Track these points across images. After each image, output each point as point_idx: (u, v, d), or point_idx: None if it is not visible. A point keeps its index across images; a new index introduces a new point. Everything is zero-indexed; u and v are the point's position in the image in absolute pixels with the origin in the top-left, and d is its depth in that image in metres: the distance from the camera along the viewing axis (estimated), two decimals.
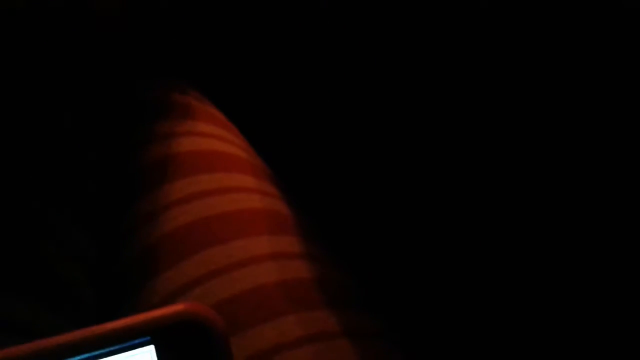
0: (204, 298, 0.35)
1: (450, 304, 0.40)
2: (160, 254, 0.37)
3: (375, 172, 0.43)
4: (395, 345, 0.36)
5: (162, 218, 0.38)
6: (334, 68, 0.45)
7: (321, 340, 0.34)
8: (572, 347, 0.36)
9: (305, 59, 0.46)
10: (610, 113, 0.34)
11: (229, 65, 0.48)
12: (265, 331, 0.33)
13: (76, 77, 0.42)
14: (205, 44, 0.48)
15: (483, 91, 0.38)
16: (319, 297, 0.35)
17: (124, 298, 0.37)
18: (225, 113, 0.45)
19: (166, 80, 0.45)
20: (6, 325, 0.33)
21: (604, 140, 0.35)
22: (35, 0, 0.38)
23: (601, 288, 0.35)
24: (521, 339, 0.37)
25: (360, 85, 0.44)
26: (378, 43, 0.42)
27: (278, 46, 0.47)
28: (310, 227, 0.40)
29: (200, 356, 0.26)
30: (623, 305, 0.35)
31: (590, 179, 0.36)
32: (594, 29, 0.34)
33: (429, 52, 0.40)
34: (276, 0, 0.45)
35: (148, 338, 0.26)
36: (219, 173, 0.40)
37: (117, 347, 0.25)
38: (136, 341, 0.26)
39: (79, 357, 0.25)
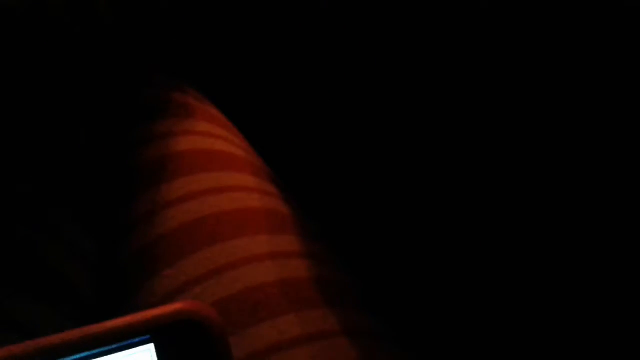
0: (203, 297, 0.35)
1: (449, 302, 0.40)
2: (159, 253, 0.37)
3: (375, 171, 0.43)
4: (394, 345, 0.36)
5: (161, 217, 0.38)
6: (334, 67, 0.45)
7: (320, 339, 0.34)
8: (572, 347, 0.36)
9: (305, 59, 0.46)
10: (610, 113, 0.34)
11: (229, 64, 0.48)
12: (264, 330, 0.33)
13: (75, 76, 0.42)
14: (205, 43, 0.48)
15: (483, 91, 0.38)
16: (318, 296, 0.35)
17: (123, 297, 0.37)
18: (225, 112, 0.45)
19: (165, 80, 0.45)
20: (6, 323, 0.33)
21: (604, 140, 0.35)
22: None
23: (601, 288, 0.35)
24: (521, 339, 0.37)
25: (360, 84, 0.44)
26: (378, 43, 0.42)
27: (278, 46, 0.47)
28: (310, 227, 0.40)
29: (199, 355, 0.26)
30: (623, 305, 0.35)
31: (591, 179, 0.36)
32: (594, 29, 0.34)
33: (429, 52, 0.39)
34: (276, 0, 0.45)
35: (148, 337, 0.26)
36: (217, 172, 0.40)
37: (116, 345, 0.25)
38: (136, 340, 0.26)
39: (78, 356, 0.25)
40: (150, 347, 0.26)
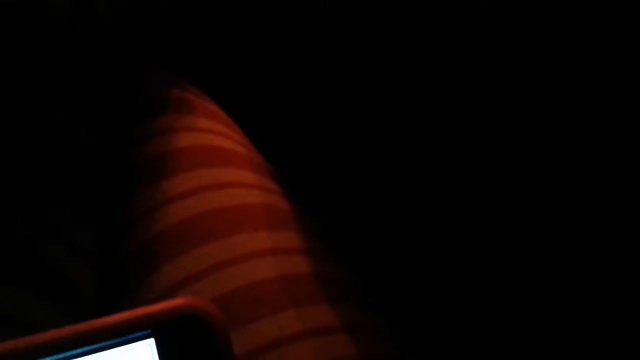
0: (202, 293, 0.34)
1: (450, 300, 0.40)
2: (159, 249, 0.37)
3: (376, 168, 0.43)
4: (394, 341, 0.36)
5: (161, 213, 0.38)
6: (334, 65, 0.45)
7: (320, 335, 0.34)
8: (572, 347, 0.36)
9: (304, 56, 0.46)
10: (610, 113, 0.35)
11: (229, 61, 0.48)
12: (264, 326, 0.33)
13: (75, 73, 0.42)
14: (205, 40, 0.48)
15: (483, 91, 0.38)
16: (318, 292, 0.35)
17: (123, 293, 0.37)
18: (225, 109, 0.45)
19: (165, 76, 0.45)
20: (6, 319, 0.33)
21: (604, 140, 0.35)
22: None
23: (601, 288, 0.35)
24: (521, 338, 0.37)
25: (359, 82, 0.44)
26: (378, 42, 0.42)
27: (278, 43, 0.47)
28: (310, 223, 0.40)
29: (200, 350, 0.26)
30: (623, 305, 0.35)
31: (591, 179, 0.36)
32: (594, 29, 0.34)
33: (429, 51, 0.40)
34: None
35: (148, 332, 0.26)
36: (217, 168, 0.40)
37: (117, 340, 0.25)
38: (136, 335, 0.26)
39: (79, 350, 0.25)
40: (151, 342, 0.26)
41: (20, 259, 0.35)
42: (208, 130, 0.42)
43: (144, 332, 0.26)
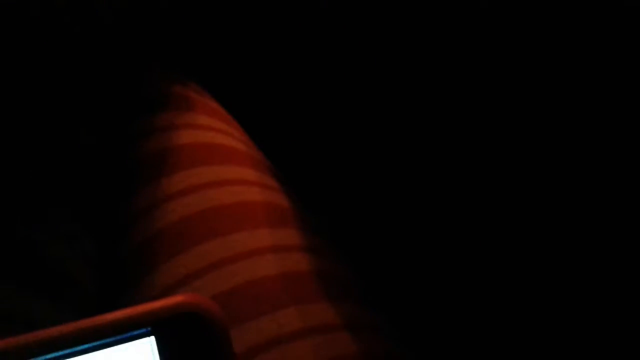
0: (203, 290, 0.34)
1: (449, 298, 0.40)
2: (159, 246, 0.37)
3: (376, 166, 0.43)
4: (394, 339, 0.36)
5: (161, 211, 0.38)
6: (333, 64, 0.45)
7: (320, 333, 0.34)
8: (572, 347, 0.36)
9: (304, 54, 0.46)
10: (610, 113, 0.35)
11: (229, 58, 0.48)
12: (264, 323, 0.33)
13: (75, 71, 0.42)
14: (205, 37, 0.48)
15: (483, 91, 0.38)
16: (318, 290, 0.35)
17: (123, 291, 0.37)
18: (225, 106, 0.45)
19: (166, 73, 0.45)
20: (6, 317, 0.33)
21: (604, 140, 0.35)
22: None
23: (601, 288, 0.35)
24: (521, 337, 0.37)
25: (359, 81, 0.44)
26: (378, 42, 0.42)
27: (278, 41, 0.46)
28: (310, 220, 0.40)
29: (200, 348, 0.26)
30: (623, 305, 0.35)
31: (591, 179, 0.36)
32: (594, 29, 0.34)
33: (429, 51, 0.40)
34: None
35: (148, 329, 0.26)
36: (218, 165, 0.40)
37: (117, 337, 0.25)
38: (136, 332, 0.26)
39: (79, 348, 0.25)
40: (151, 339, 0.26)
41: (20, 257, 0.35)
42: (208, 128, 0.42)
43: (145, 330, 0.26)
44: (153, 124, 0.41)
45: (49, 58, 0.40)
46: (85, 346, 0.25)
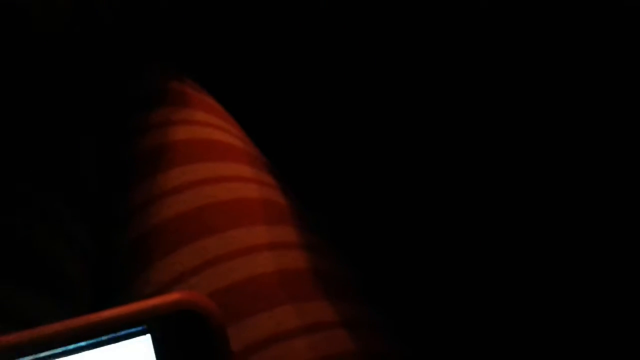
0: (199, 287, 0.34)
1: (448, 296, 0.40)
2: (154, 243, 0.36)
3: (374, 163, 0.43)
4: (393, 337, 0.36)
5: (157, 207, 0.37)
6: (331, 62, 0.44)
7: (318, 330, 0.34)
8: (572, 347, 0.36)
9: (302, 52, 0.45)
10: (610, 113, 0.35)
11: (227, 55, 0.48)
12: (261, 321, 0.33)
13: (72, 67, 0.42)
14: (203, 34, 0.48)
15: (483, 91, 0.38)
16: (316, 287, 0.35)
17: (119, 288, 0.36)
18: (222, 102, 0.45)
19: (163, 69, 0.44)
20: (2, 314, 0.33)
21: (604, 140, 0.35)
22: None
23: (601, 288, 0.35)
24: (520, 336, 0.37)
25: (357, 78, 0.44)
26: (378, 41, 0.42)
27: (276, 39, 0.46)
28: (308, 218, 0.39)
29: (197, 346, 0.26)
30: (623, 305, 0.35)
31: (590, 179, 0.36)
32: (594, 29, 0.34)
33: (429, 51, 0.39)
34: None
35: (144, 327, 0.25)
36: (214, 162, 0.40)
37: (113, 335, 0.25)
38: (132, 330, 0.25)
39: (75, 345, 0.25)
40: (147, 337, 0.26)
41: (18, 255, 0.35)
42: (205, 124, 0.42)
43: (141, 327, 0.25)
44: (149, 120, 0.41)
45: (48, 56, 0.40)
46: (81, 344, 0.25)
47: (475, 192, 0.39)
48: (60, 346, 0.25)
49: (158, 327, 0.26)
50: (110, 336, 0.25)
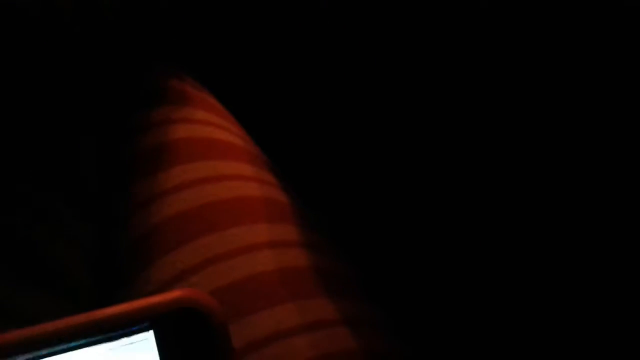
0: (200, 286, 0.34)
1: (449, 294, 0.40)
2: (156, 241, 0.36)
3: (374, 162, 0.43)
4: (393, 335, 0.36)
5: (158, 205, 0.38)
6: (330, 61, 0.45)
7: (319, 328, 0.34)
8: (572, 347, 0.36)
9: (302, 50, 0.46)
10: (610, 113, 0.35)
11: (227, 53, 0.48)
12: (262, 319, 0.33)
13: (72, 66, 0.42)
14: (203, 33, 0.48)
15: (483, 91, 0.38)
16: (317, 285, 0.35)
17: (120, 286, 0.36)
18: (222, 101, 0.45)
19: (163, 68, 0.44)
20: (4, 311, 0.33)
21: (604, 140, 0.35)
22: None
23: (601, 288, 0.35)
24: (520, 334, 0.38)
25: (356, 77, 0.44)
26: (378, 40, 0.42)
27: (276, 37, 0.46)
28: (309, 216, 0.40)
29: (199, 343, 0.26)
30: (623, 305, 0.35)
31: (590, 179, 0.36)
32: (594, 29, 0.34)
33: (429, 51, 0.40)
34: None
35: (147, 324, 0.25)
36: (215, 160, 0.40)
37: (115, 332, 0.25)
38: (135, 327, 0.25)
39: (77, 342, 0.25)
40: (150, 334, 0.26)
41: (20, 254, 0.35)
42: (205, 122, 0.42)
43: (143, 325, 0.26)
44: (150, 119, 0.41)
45: (48, 56, 0.40)
46: (83, 341, 0.25)
47: (475, 190, 0.39)
48: (63, 343, 0.25)
49: (160, 324, 0.26)
50: (112, 333, 0.25)
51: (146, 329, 0.26)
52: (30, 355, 0.24)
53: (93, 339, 0.25)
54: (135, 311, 0.25)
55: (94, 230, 0.38)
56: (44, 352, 0.25)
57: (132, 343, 0.26)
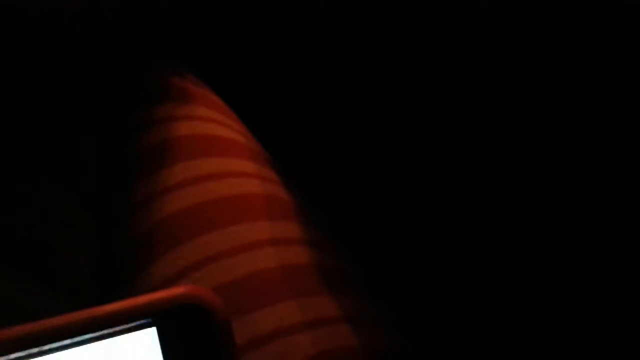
0: (202, 282, 0.34)
1: (450, 291, 0.40)
2: (157, 238, 0.36)
3: (376, 159, 0.43)
4: (395, 332, 0.36)
5: (160, 202, 0.38)
6: (331, 58, 0.45)
7: (321, 325, 0.34)
8: (572, 347, 0.36)
9: (303, 47, 0.46)
10: (610, 113, 0.35)
11: (228, 51, 0.48)
12: (264, 316, 0.33)
13: (74, 65, 0.42)
14: (205, 31, 0.48)
15: (483, 91, 0.38)
16: (318, 282, 0.35)
17: (122, 282, 0.36)
18: (224, 98, 0.45)
19: (165, 65, 0.44)
20: (7, 307, 0.33)
21: (604, 140, 0.35)
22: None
23: (601, 288, 0.35)
24: (521, 332, 0.38)
25: (357, 76, 0.44)
26: (378, 39, 0.42)
27: (277, 35, 0.46)
28: (310, 213, 0.40)
29: (202, 339, 0.26)
30: (623, 305, 0.35)
31: (590, 179, 0.36)
32: (594, 29, 0.34)
33: (429, 51, 0.40)
34: None
35: (149, 320, 0.25)
36: (217, 157, 0.40)
37: (118, 328, 0.25)
38: (137, 323, 0.25)
39: (80, 338, 0.25)
40: (152, 330, 0.26)
41: (22, 249, 0.35)
42: (207, 119, 0.42)
43: (146, 320, 0.26)
44: (152, 116, 0.41)
45: (48, 56, 0.40)
46: (86, 336, 0.25)
47: (476, 188, 0.39)
48: (66, 338, 0.25)
49: (163, 321, 0.26)
50: (115, 329, 0.25)
51: (149, 325, 0.26)
52: (33, 351, 0.24)
53: (96, 335, 0.25)
54: (138, 307, 0.25)
55: (95, 229, 0.38)
56: (46, 347, 0.25)
57: (134, 338, 0.26)
